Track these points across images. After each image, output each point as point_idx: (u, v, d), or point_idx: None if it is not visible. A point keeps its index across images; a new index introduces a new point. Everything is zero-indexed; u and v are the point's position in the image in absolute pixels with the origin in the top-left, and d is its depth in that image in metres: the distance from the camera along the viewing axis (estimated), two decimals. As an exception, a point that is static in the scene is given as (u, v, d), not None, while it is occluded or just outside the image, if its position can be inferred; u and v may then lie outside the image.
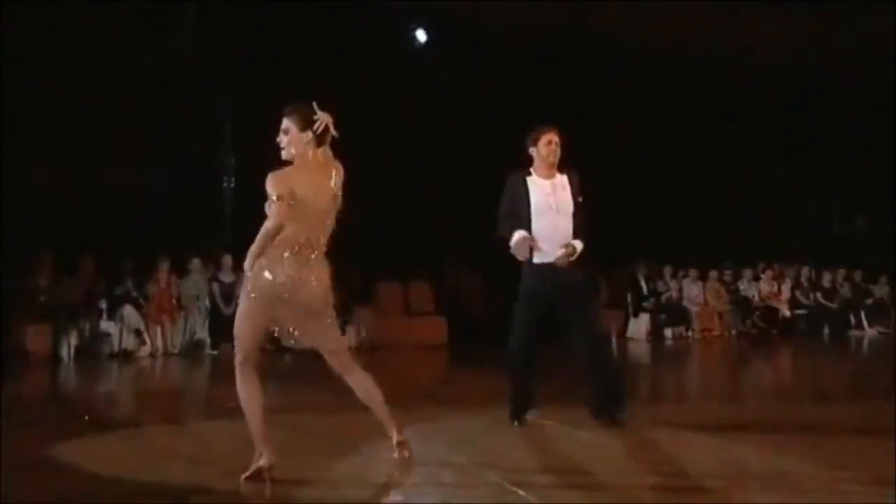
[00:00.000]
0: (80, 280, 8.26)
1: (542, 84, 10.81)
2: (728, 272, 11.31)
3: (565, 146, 4.33)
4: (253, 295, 3.25)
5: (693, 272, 11.09)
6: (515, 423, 4.33)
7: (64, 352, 7.86)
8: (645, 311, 10.55)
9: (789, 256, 11.82)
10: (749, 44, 11.06)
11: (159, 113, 9.58)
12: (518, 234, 4.21)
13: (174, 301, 8.59)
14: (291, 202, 3.20)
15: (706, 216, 11.66)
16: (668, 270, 11.02)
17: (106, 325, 8.17)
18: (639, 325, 10.48)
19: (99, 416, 5.15)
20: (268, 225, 3.21)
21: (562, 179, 4.33)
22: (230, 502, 3.18)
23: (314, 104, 3.30)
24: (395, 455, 3.46)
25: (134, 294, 8.41)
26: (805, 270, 11.78)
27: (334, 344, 3.44)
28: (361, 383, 3.44)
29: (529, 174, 4.33)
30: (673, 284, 10.99)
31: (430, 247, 9.80)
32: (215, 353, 8.41)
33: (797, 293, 11.51)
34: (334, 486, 3.36)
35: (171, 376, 7.80)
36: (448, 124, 9.87)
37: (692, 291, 10.97)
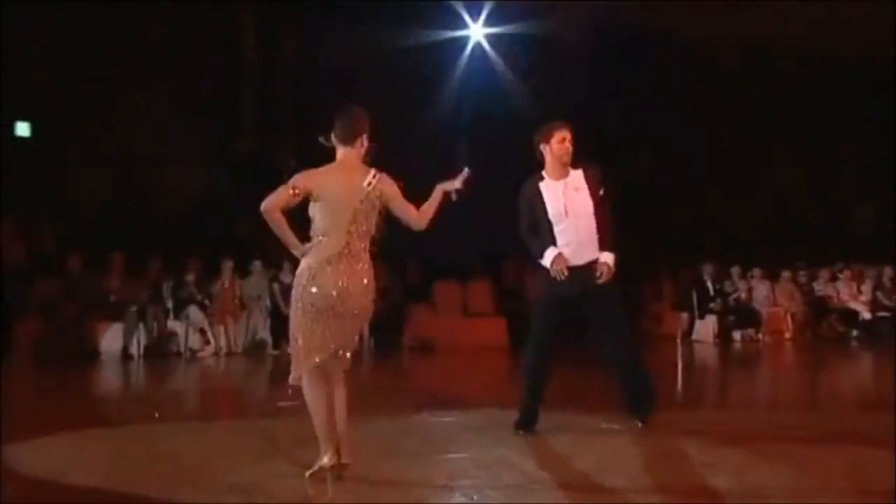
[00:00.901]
0: (148, 281, 8.52)
1: (605, 81, 10.61)
2: (803, 272, 10.79)
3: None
4: (301, 310, 3.27)
5: (763, 272, 10.63)
6: (521, 432, 4.14)
7: (133, 350, 8.11)
8: (712, 312, 10.17)
9: (871, 256, 11.21)
10: (819, 33, 10.59)
11: (223, 118, 9.83)
12: (550, 256, 4.04)
13: (237, 301, 8.76)
14: (297, 193, 3.22)
15: (778, 214, 11.21)
16: (736, 270, 10.60)
17: (172, 324, 8.41)
18: (705, 327, 10.12)
19: (166, 412, 5.27)
20: (264, 205, 3.21)
21: (575, 178, 4.08)
22: (296, 500, 3.18)
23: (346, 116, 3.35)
24: (317, 469, 3.25)
25: (198, 295, 8.62)
26: (888, 271, 11.13)
27: (354, 347, 3.42)
28: (342, 397, 3.36)
29: (542, 178, 4.11)
30: (741, 285, 10.56)
31: (489, 246, 9.71)
32: (276, 352, 8.54)
33: (879, 294, 10.88)
34: (396, 486, 3.35)
35: (235, 375, 7.94)
36: (509, 121, 9.77)
37: (762, 292, 10.51)
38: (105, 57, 9.38)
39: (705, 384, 7.39)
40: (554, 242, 4.06)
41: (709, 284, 10.31)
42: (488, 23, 10.14)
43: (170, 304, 8.44)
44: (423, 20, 9.74)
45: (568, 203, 4.03)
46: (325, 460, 3.22)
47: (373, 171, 3.33)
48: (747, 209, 11.29)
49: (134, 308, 8.17)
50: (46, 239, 8.74)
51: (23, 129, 9.42)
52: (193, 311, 8.47)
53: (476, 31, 10.24)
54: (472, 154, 9.73)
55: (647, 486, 3.27)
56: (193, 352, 8.37)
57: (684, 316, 10.18)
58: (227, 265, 8.77)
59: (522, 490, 3.27)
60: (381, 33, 9.32)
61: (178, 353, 8.29)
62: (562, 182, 4.05)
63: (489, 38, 10.26)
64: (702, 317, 10.16)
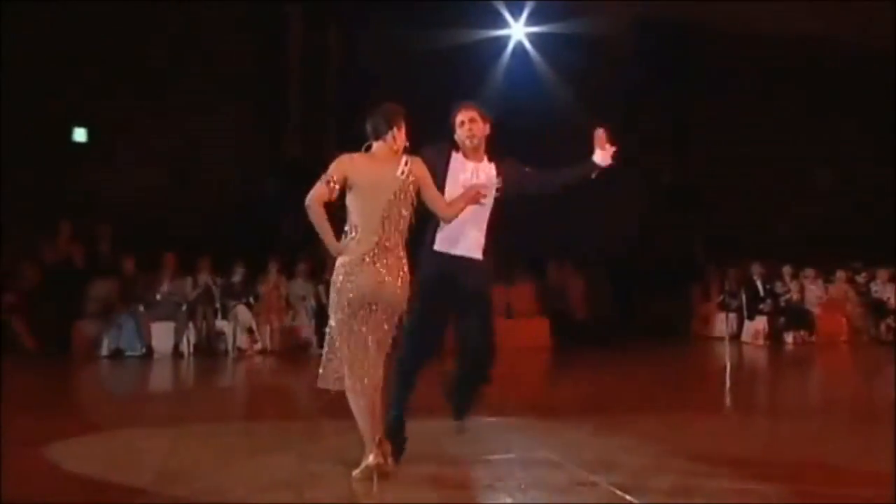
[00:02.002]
0: (197, 281, 8.75)
1: (649, 79, 10.46)
2: (863, 274, 10.41)
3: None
4: (339, 316, 3.30)
5: (816, 272, 10.30)
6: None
7: (184, 348, 8.33)
8: (761, 313, 9.90)
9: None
10: (869, 28, 10.22)
11: (270, 119, 10.04)
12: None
13: (283, 302, 8.91)
14: (334, 182, 3.25)
15: (833, 213, 10.85)
16: (787, 270, 10.29)
17: (221, 323, 8.60)
18: (755, 329, 9.85)
19: (214, 410, 5.41)
20: (307, 200, 3.25)
21: (487, 167, 3.68)
22: (342, 499, 3.22)
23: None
24: (362, 469, 3.27)
25: (246, 295, 8.80)
26: (952, 272, 10.65)
27: (389, 343, 3.39)
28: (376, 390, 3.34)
29: (458, 149, 3.69)
30: (793, 285, 10.25)
31: (532, 247, 9.66)
32: (321, 351, 8.65)
33: (941, 295, 10.42)
34: (440, 487, 3.36)
35: (281, 373, 8.08)
36: (550, 121, 9.71)
37: (816, 293, 10.18)
38: (156, 60, 9.68)
39: (751, 387, 7.20)
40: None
41: (758, 284, 10.05)
42: (530, 22, 10.10)
43: (218, 304, 8.65)
44: (465, 20, 9.75)
45: (475, 182, 3.59)
46: (370, 459, 3.26)
47: (405, 158, 3.35)
48: (800, 208, 10.96)
49: (184, 307, 8.39)
50: (102, 241, 9.05)
51: (80, 134, 9.80)
52: (241, 311, 8.64)
53: (517, 31, 10.21)
54: (514, 154, 9.69)
55: (692, 488, 3.23)
56: (241, 350, 8.54)
57: (732, 317, 9.94)
58: (273, 266, 8.94)
59: (567, 491, 3.26)
60: (422, 33, 9.37)
61: (226, 352, 8.47)
62: (472, 165, 3.67)
63: (530, 37, 10.22)
64: (751, 318, 9.90)
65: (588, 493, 3.22)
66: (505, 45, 10.22)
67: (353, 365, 3.32)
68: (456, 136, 3.69)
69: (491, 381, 3.69)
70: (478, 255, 3.61)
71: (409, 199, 3.31)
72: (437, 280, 3.54)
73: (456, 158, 3.65)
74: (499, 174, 3.66)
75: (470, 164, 3.66)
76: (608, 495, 3.15)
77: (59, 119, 9.50)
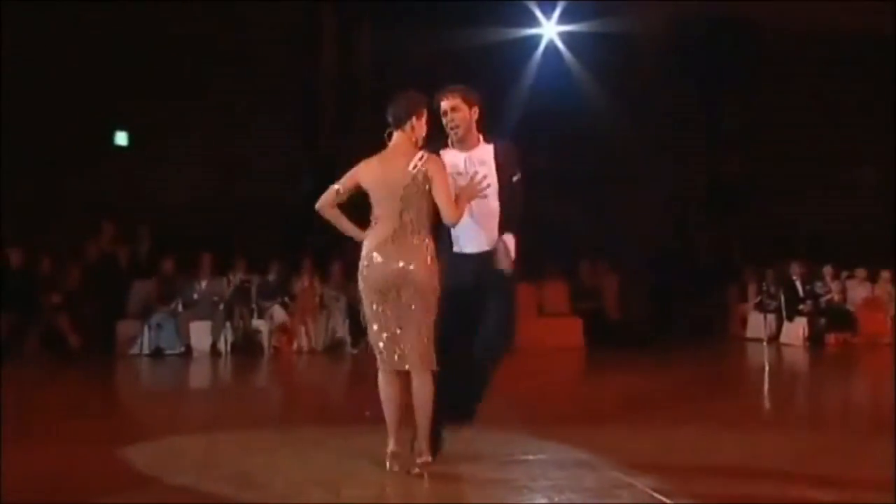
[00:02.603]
0: (233, 281, 8.91)
1: (686, 78, 10.32)
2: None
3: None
4: (365, 296, 3.37)
5: (860, 272, 10.03)
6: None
7: (221, 346, 8.49)
8: (801, 314, 9.68)
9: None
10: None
11: (304, 121, 10.17)
12: None
13: (317, 301, 9.03)
14: (342, 192, 3.41)
15: (877, 212, 10.56)
16: (828, 270, 10.04)
17: (257, 322, 8.74)
18: (794, 330, 9.64)
19: (252, 408, 5.51)
20: (317, 205, 3.44)
21: (481, 152, 3.48)
22: (379, 498, 3.26)
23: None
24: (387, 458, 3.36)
25: (281, 294, 8.93)
26: None
27: (418, 331, 3.33)
28: (420, 389, 3.31)
29: (445, 147, 3.52)
30: (834, 286, 10.00)
31: (564, 245, 9.61)
32: (355, 351, 8.74)
33: None
34: (475, 486, 3.38)
35: (316, 372, 8.18)
36: (583, 121, 9.64)
37: (859, 294, 9.92)
38: (193, 63, 9.88)
39: (791, 391, 7.05)
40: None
41: (798, 285, 9.83)
42: (562, 20, 10.04)
43: (254, 304, 8.79)
44: (496, 18, 9.74)
45: (464, 179, 3.43)
46: (390, 445, 3.34)
47: (420, 153, 3.34)
48: (843, 207, 10.71)
49: (221, 307, 8.55)
50: (142, 242, 9.28)
51: (121, 138, 10.08)
52: (276, 310, 8.77)
53: (549, 30, 10.16)
54: (546, 154, 9.67)
55: (731, 493, 3.19)
56: (276, 349, 8.67)
57: (771, 318, 9.75)
58: (307, 266, 9.06)
59: (602, 492, 3.25)
60: (453, 32, 9.39)
61: (262, 351, 8.59)
62: (464, 156, 3.49)
63: (563, 36, 10.17)
64: (790, 319, 9.69)
65: (624, 495, 3.20)
66: (537, 45, 10.20)
67: (382, 352, 3.35)
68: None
69: (494, 364, 3.54)
70: (488, 247, 3.48)
71: (422, 192, 3.30)
72: (461, 282, 3.47)
73: (446, 155, 3.48)
74: (497, 155, 3.47)
75: (462, 155, 3.49)
76: (645, 498, 3.13)
77: (101, 123, 9.78)
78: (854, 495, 3.22)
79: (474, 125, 3.53)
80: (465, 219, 3.41)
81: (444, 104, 3.50)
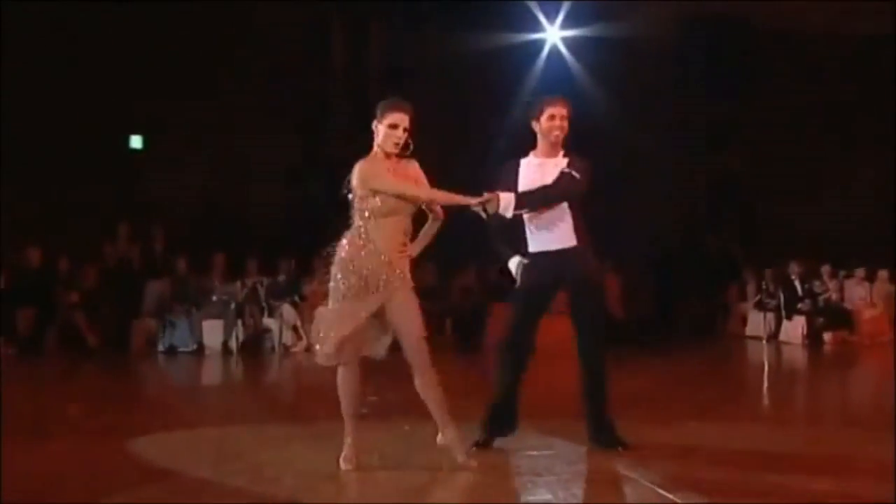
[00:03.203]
0: (245, 280, 9.11)
1: (687, 79, 10.45)
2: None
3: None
4: (344, 296, 3.50)
5: (858, 272, 10.19)
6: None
7: (232, 345, 8.69)
8: (800, 313, 9.85)
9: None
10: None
11: (314, 124, 10.34)
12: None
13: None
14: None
15: (875, 212, 10.71)
16: (826, 269, 10.20)
17: (267, 321, 8.93)
18: (793, 329, 9.81)
19: (261, 405, 5.65)
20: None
21: (561, 162, 3.69)
22: (386, 493, 3.33)
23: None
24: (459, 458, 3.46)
25: (291, 294, 9.12)
26: None
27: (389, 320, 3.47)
28: (424, 388, 3.45)
29: (526, 155, 3.78)
30: (832, 285, 10.17)
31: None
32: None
33: None
34: (481, 478, 3.45)
35: (324, 370, 8.32)
36: (586, 125, 9.77)
37: (857, 293, 10.09)
38: (204, 68, 10.06)
39: (791, 389, 7.21)
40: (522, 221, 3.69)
41: (796, 284, 10.00)
42: (565, 25, 10.17)
43: (265, 303, 8.99)
44: (500, 23, 9.87)
45: (544, 178, 3.65)
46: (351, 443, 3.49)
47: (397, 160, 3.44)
48: (842, 207, 10.84)
49: (233, 306, 8.74)
50: (156, 242, 9.49)
51: (136, 141, 10.29)
52: (287, 310, 8.94)
53: (553, 34, 10.28)
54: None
55: (730, 487, 3.27)
56: (286, 348, 8.85)
57: (770, 316, 9.92)
58: (318, 266, 9.21)
59: (606, 487, 3.35)
60: (458, 36, 9.54)
61: (273, 349, 8.76)
62: (547, 160, 3.73)
63: (566, 40, 10.29)
64: (789, 317, 9.86)
65: (628, 490, 3.29)
66: (540, 49, 10.32)
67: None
68: (538, 129, 3.74)
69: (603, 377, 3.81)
70: (571, 243, 3.71)
71: (355, 198, 3.43)
72: (535, 278, 3.74)
73: (526, 163, 3.74)
74: (571, 166, 3.67)
75: (537, 161, 3.74)
76: (647, 493, 3.20)
77: (117, 127, 9.99)
78: (851, 485, 3.31)
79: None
80: (544, 219, 3.66)
81: (557, 109, 3.73)
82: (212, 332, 8.64)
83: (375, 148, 3.49)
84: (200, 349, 8.57)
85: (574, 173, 3.69)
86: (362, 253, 3.44)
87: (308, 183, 10.24)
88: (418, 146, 3.52)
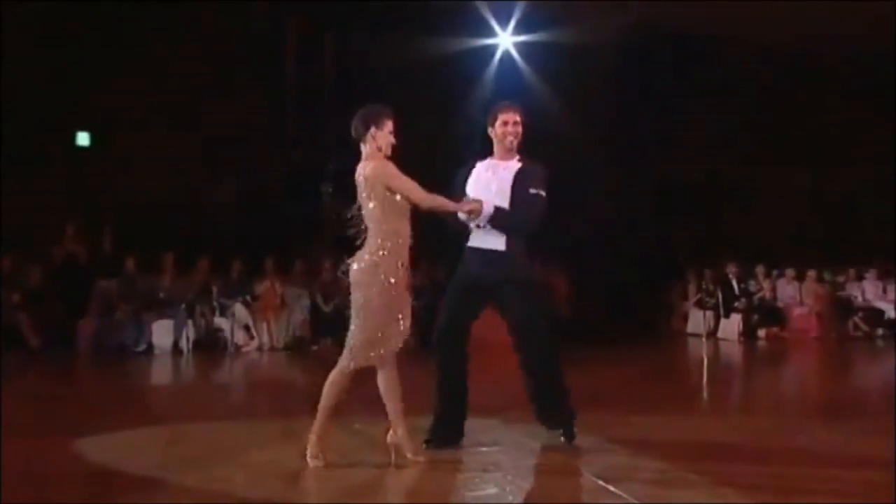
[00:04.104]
0: (196, 280, 9.03)
1: (636, 85, 10.76)
2: (828, 272, 10.89)
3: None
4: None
5: (789, 272, 10.76)
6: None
7: (183, 344, 8.61)
8: (736, 311, 10.34)
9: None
10: (852, 35, 10.57)
11: (266, 124, 10.29)
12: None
13: (279, 300, 9.21)
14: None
15: (804, 214, 11.28)
16: (760, 269, 10.75)
17: (219, 320, 8.87)
18: (730, 326, 10.29)
19: (213, 405, 5.65)
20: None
21: (512, 165, 3.80)
22: (341, 492, 3.36)
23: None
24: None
25: (243, 293, 9.09)
26: (917, 269, 11.12)
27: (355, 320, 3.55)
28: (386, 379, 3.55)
29: (484, 158, 3.89)
30: (766, 284, 10.72)
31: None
32: (315, 348, 8.96)
33: (905, 294, 10.91)
34: (431, 474, 3.55)
35: (277, 369, 8.35)
36: (537, 129, 9.98)
37: (787, 292, 10.65)
38: (155, 66, 9.91)
39: (729, 382, 7.51)
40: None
41: (734, 283, 10.49)
42: (517, 30, 10.29)
43: (216, 302, 8.93)
44: (452, 28, 9.98)
45: (492, 176, 3.76)
46: (317, 440, 3.56)
47: (364, 163, 3.55)
48: (775, 211, 11.38)
49: (183, 305, 8.66)
50: (105, 241, 9.31)
51: (83, 138, 10.05)
52: (238, 309, 8.90)
53: (505, 39, 10.40)
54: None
55: (672, 481, 3.37)
56: (238, 347, 8.82)
57: (710, 314, 10.38)
58: (270, 265, 9.24)
59: (553, 480, 3.48)
60: (410, 41, 9.62)
61: (224, 348, 8.72)
62: (499, 163, 3.82)
63: (518, 46, 10.41)
64: (727, 315, 10.34)
65: (574, 482, 3.42)
66: (492, 54, 10.43)
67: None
68: (494, 135, 3.86)
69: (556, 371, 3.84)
70: (501, 246, 3.76)
71: (369, 195, 3.52)
72: (463, 275, 3.82)
73: (481, 165, 3.84)
74: (523, 171, 3.75)
75: (493, 163, 3.83)
76: (592, 485, 3.29)
77: (63, 123, 9.74)
78: (783, 470, 3.49)
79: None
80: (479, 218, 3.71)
81: (511, 116, 3.85)
82: (162, 331, 8.55)
83: (375, 151, 3.56)
84: (150, 349, 8.47)
85: (541, 192, 3.79)
86: (398, 263, 3.51)
87: (261, 181, 10.19)
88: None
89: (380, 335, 3.52)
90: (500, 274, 3.79)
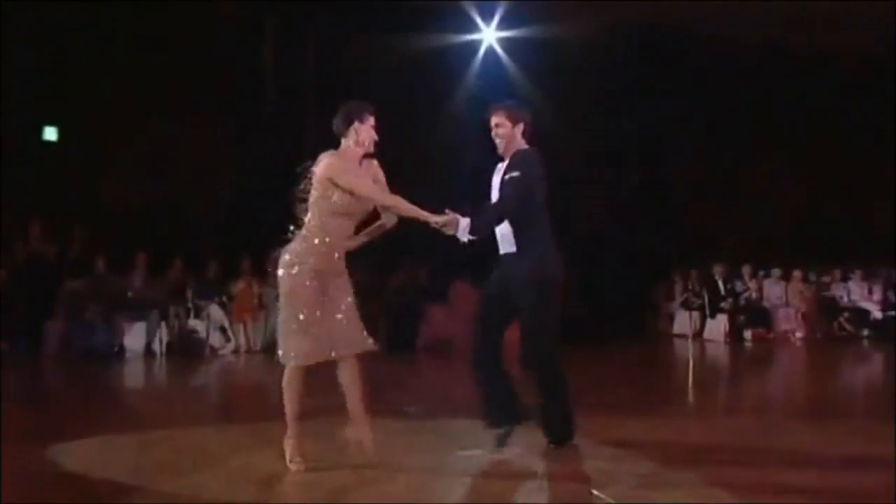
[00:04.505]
0: (170, 281, 8.77)
1: (620, 83, 10.71)
2: (814, 272, 10.89)
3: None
4: None
5: (775, 272, 10.73)
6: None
7: (156, 347, 8.36)
8: (723, 311, 10.28)
9: (884, 257, 11.24)
10: (840, 37, 10.58)
11: (243, 126, 10.08)
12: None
13: (256, 301, 8.99)
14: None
15: (790, 215, 11.28)
16: (746, 270, 10.71)
17: (194, 322, 8.64)
18: (716, 326, 10.23)
19: (189, 409, 5.48)
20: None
21: (503, 166, 3.87)
22: (319, 498, 3.28)
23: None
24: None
25: (219, 294, 8.85)
26: (901, 270, 11.15)
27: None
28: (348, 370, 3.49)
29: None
30: (752, 285, 10.68)
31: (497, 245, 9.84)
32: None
33: (890, 294, 10.93)
34: (407, 477, 3.48)
35: (254, 372, 8.14)
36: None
37: (774, 292, 10.62)
38: (127, 61, 9.65)
39: (715, 384, 7.48)
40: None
41: (720, 284, 10.43)
42: (501, 26, 10.26)
43: (191, 303, 8.69)
44: (436, 24, 9.88)
45: (496, 183, 3.88)
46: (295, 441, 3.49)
47: (323, 157, 3.44)
48: (762, 212, 11.38)
49: (156, 307, 8.42)
50: (74, 240, 9.02)
51: (50, 133, 9.75)
52: (214, 310, 8.70)
53: (489, 35, 10.36)
54: (484, 158, 9.86)
55: (654, 483, 3.36)
56: (214, 349, 8.60)
57: (695, 315, 10.31)
58: (246, 265, 9.00)
59: (537, 484, 3.40)
60: (393, 37, 9.48)
61: (200, 351, 8.52)
62: (501, 165, 3.89)
63: (502, 41, 10.37)
64: (713, 316, 10.28)
65: (557, 487, 3.36)
66: (476, 50, 10.37)
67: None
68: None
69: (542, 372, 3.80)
70: (511, 249, 3.80)
71: (314, 189, 3.43)
72: (495, 279, 3.89)
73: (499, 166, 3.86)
74: (508, 170, 3.74)
75: (499, 166, 3.88)
76: (576, 488, 3.30)
77: (29, 118, 9.44)
78: (771, 472, 3.46)
79: (518, 138, 3.85)
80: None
81: (492, 119, 3.87)
82: (134, 334, 8.31)
83: (350, 146, 3.50)
84: (122, 352, 8.20)
85: (511, 174, 3.75)
86: (323, 250, 3.42)
87: (237, 184, 9.97)
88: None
89: (294, 328, 3.40)
90: (510, 274, 3.85)
